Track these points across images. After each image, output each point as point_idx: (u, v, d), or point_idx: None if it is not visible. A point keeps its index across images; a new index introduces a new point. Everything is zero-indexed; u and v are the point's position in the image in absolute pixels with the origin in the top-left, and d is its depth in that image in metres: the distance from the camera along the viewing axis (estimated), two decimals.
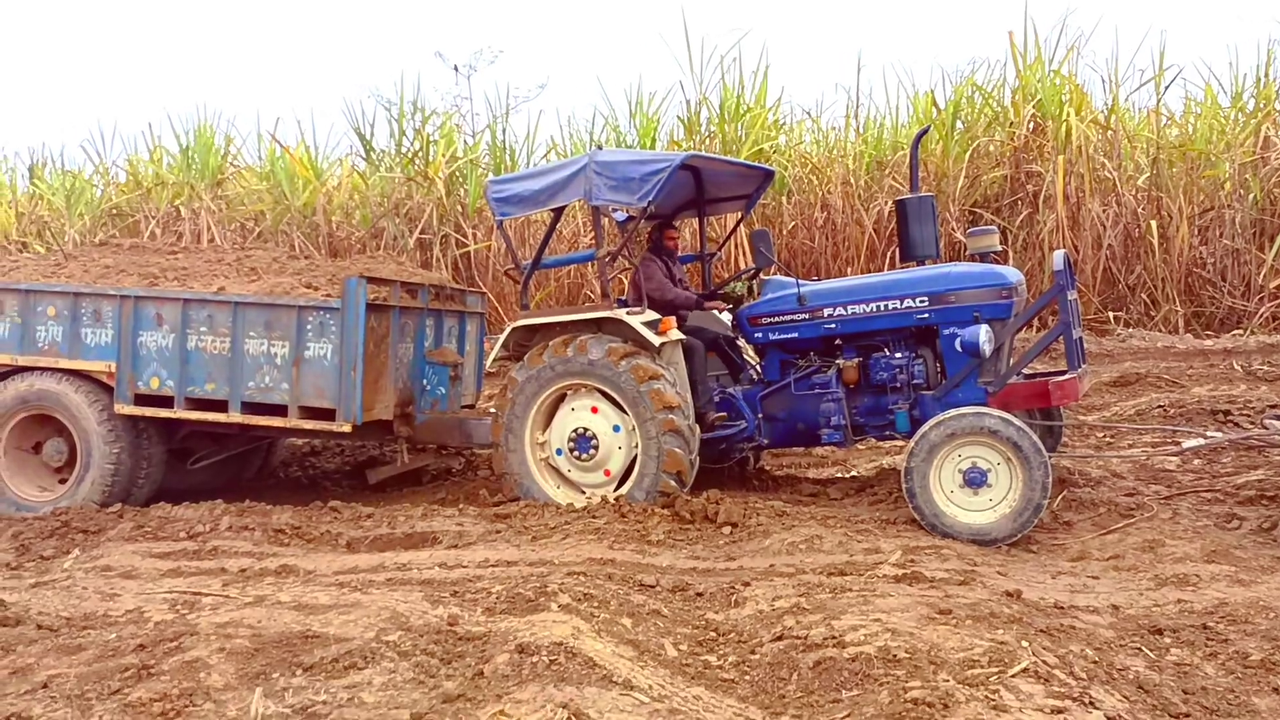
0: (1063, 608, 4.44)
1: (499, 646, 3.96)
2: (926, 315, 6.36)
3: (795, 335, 6.70)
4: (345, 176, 15.34)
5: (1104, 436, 8.05)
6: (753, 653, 4.04)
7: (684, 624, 4.40)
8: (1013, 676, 3.50)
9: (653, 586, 4.82)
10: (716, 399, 6.80)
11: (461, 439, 7.45)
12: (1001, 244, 8.90)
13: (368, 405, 6.90)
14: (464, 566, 5.21)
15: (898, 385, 6.44)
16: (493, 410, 6.99)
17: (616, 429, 6.46)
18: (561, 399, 6.63)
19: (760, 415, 6.74)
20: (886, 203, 13.10)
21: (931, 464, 5.69)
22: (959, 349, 6.19)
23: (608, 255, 6.79)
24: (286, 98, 34.91)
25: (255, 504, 6.75)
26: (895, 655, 3.68)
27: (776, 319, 6.74)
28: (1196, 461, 7.13)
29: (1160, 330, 12.12)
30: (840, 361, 6.60)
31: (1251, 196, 12.65)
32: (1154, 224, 12.42)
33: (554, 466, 6.66)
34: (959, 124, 13.72)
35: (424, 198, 14.18)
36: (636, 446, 6.39)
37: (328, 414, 6.87)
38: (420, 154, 14.68)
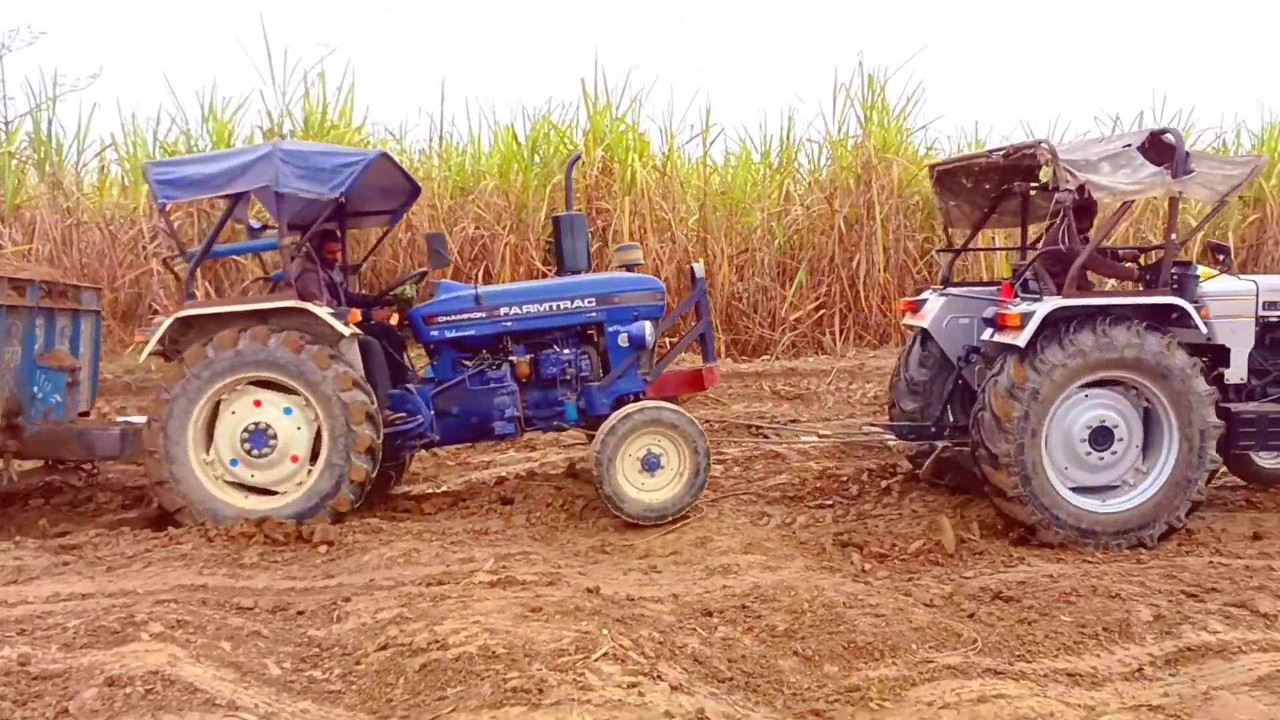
0: (633, 599, 5.05)
1: (84, 682, 3.76)
2: (594, 314, 7.13)
3: (472, 333, 7.07)
4: None
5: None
6: (358, 663, 4.20)
7: (286, 643, 4.43)
8: (595, 660, 4.00)
9: (251, 609, 4.78)
10: (389, 397, 6.91)
11: (82, 451, 6.80)
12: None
13: None
14: (29, 603, 4.77)
15: (566, 378, 7.07)
16: (121, 420, 6.47)
17: (288, 411, 6.32)
18: (215, 410, 6.35)
19: (433, 412, 6.95)
20: (472, 226, 13.62)
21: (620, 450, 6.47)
22: (623, 344, 7.07)
23: (293, 244, 6.57)
24: None
25: None
26: (494, 651, 4.04)
27: (454, 317, 7.05)
28: (735, 469, 8.31)
29: None
30: (514, 358, 7.05)
31: (776, 241, 14.81)
32: (702, 261, 14.09)
33: (233, 481, 6.36)
34: (537, 158, 14.61)
35: None
36: (315, 419, 6.32)
37: None
38: None
